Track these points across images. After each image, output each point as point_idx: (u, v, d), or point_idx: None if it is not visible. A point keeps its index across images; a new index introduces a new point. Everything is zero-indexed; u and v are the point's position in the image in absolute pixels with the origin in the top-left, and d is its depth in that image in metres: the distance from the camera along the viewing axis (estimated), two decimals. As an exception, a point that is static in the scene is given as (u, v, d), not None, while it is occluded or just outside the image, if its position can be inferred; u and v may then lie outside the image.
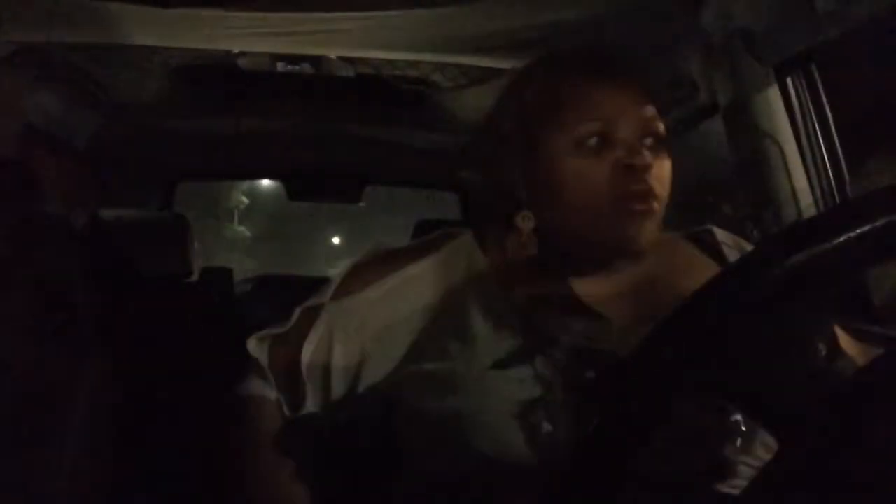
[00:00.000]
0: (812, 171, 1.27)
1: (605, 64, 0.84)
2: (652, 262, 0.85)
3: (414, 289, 0.87)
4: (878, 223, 0.39)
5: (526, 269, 0.85)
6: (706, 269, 0.85)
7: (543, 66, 0.88)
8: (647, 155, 0.79)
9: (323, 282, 0.92)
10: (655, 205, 0.80)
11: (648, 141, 0.81)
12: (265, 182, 11.93)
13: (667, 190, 0.82)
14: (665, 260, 0.86)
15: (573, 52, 0.88)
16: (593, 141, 0.80)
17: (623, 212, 0.79)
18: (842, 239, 0.39)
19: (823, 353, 0.63)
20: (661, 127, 0.83)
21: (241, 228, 18.80)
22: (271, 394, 0.91)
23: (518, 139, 0.84)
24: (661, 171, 0.81)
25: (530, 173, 0.84)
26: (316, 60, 1.76)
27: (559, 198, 0.81)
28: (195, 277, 2.10)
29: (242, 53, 1.73)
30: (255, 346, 0.92)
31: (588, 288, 0.85)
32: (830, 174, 1.27)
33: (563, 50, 0.90)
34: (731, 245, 0.92)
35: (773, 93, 1.27)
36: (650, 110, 0.82)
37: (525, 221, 0.83)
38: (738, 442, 0.72)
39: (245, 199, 18.53)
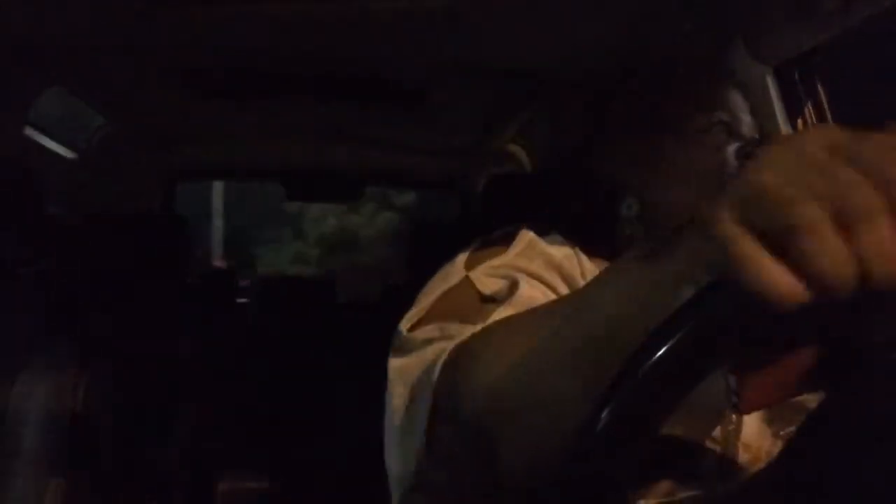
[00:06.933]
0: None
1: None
2: None
3: None
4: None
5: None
6: None
7: (666, 64, 0.91)
8: None
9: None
10: None
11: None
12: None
13: None
14: None
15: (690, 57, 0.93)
16: (720, 128, 0.84)
17: None
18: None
19: None
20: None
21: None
22: None
23: (642, 126, 0.86)
24: None
25: (656, 158, 0.85)
26: (316, 59, 1.76)
27: (681, 180, 0.83)
28: (194, 278, 2.10)
29: (243, 52, 1.73)
30: None
31: None
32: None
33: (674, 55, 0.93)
34: None
35: (773, 93, 1.27)
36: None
37: (630, 209, 0.84)
38: None
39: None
